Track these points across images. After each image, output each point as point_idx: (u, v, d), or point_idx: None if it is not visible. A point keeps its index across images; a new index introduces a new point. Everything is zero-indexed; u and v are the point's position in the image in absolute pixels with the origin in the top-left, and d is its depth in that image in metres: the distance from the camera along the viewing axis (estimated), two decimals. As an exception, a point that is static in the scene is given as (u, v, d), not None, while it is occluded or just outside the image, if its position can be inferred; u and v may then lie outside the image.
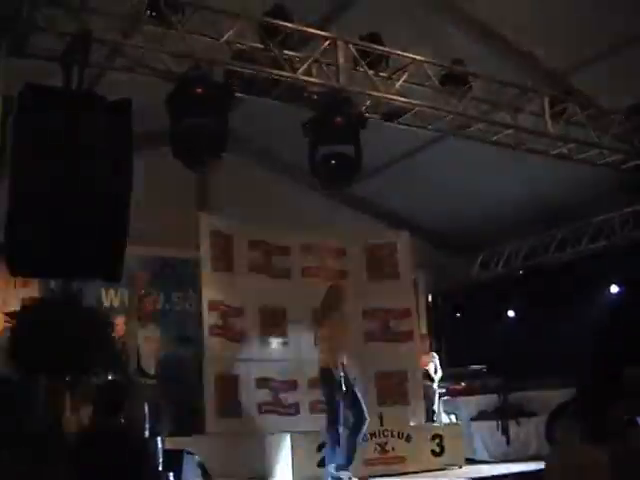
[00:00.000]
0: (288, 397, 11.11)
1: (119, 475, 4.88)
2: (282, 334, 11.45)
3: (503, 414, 11.12)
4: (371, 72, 8.24)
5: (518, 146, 9.65)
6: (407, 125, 9.13)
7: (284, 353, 11.30)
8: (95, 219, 6.07)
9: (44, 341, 5.93)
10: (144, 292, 9.49)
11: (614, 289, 13.23)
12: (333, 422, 8.64)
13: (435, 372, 12.12)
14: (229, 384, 10.59)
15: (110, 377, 8.23)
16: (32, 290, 9.80)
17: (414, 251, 12.68)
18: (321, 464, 9.23)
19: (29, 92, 6.03)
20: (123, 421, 8.39)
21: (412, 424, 10.53)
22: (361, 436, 8.97)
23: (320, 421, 9.24)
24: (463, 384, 11.70)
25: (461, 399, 11.88)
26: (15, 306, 8.79)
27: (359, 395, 8.88)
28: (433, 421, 11.58)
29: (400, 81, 8.45)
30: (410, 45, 8.48)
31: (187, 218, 10.86)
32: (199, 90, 7.33)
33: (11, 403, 4.68)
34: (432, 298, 15.12)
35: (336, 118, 8.11)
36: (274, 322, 11.44)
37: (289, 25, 7.75)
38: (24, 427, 4.50)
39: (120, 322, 10.08)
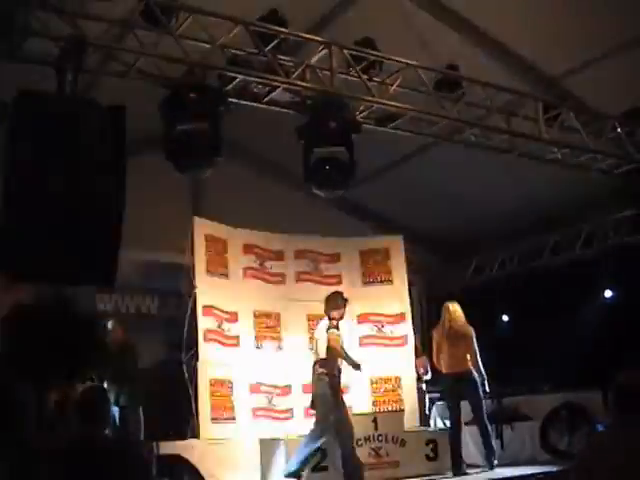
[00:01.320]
0: (282, 402, 11.11)
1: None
2: (276, 339, 11.45)
3: (497, 418, 11.09)
4: (365, 77, 8.24)
5: (512, 151, 9.66)
6: (401, 130, 9.14)
7: (278, 358, 11.29)
8: (89, 224, 6.06)
9: (35, 346, 5.91)
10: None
11: (608, 294, 13.25)
12: None
13: (425, 374, 12.10)
14: (223, 389, 10.58)
15: (96, 383, 8.20)
16: (25, 294, 9.79)
17: (408, 256, 12.70)
18: (315, 469, 9.23)
19: (23, 98, 6.02)
20: (115, 427, 8.40)
21: (406, 429, 10.51)
22: None
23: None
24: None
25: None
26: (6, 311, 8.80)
27: None
28: (428, 425, 11.60)
29: (394, 86, 8.46)
30: (404, 50, 8.49)
31: (182, 223, 10.86)
32: (193, 95, 7.34)
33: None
34: (426, 303, 15.11)
35: (330, 123, 8.11)
36: (268, 327, 11.45)
37: (283, 30, 7.75)
38: (13, 434, 4.47)
39: (115, 328, 10.09)
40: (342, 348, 9.15)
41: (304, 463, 8.88)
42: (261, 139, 11.75)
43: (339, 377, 9.03)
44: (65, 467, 4.53)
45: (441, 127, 9.24)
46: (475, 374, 9.99)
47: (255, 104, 8.29)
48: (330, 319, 9.15)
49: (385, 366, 11.86)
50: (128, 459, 5.02)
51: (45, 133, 6.05)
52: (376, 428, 9.94)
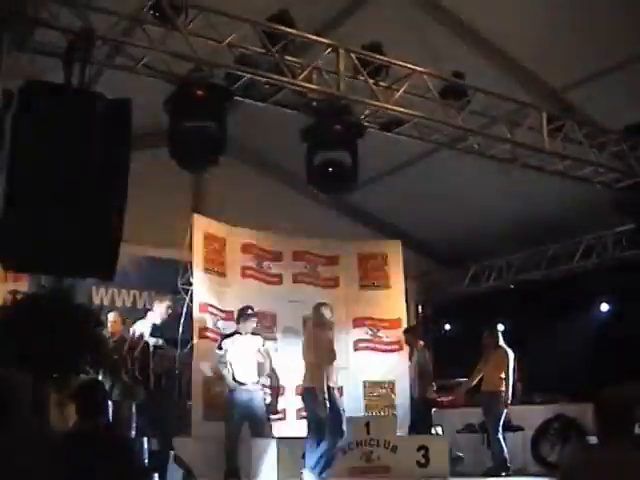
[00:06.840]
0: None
1: (104, 475, 4.87)
2: (272, 340, 11.44)
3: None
4: (371, 81, 8.24)
5: (514, 161, 9.67)
6: (405, 136, 9.14)
7: (273, 359, 11.27)
8: (90, 217, 6.05)
9: (32, 335, 5.90)
10: None
11: (604, 307, 13.25)
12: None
13: None
14: (217, 387, 10.57)
15: (94, 377, 8.17)
16: (23, 285, 9.76)
17: (406, 262, 12.70)
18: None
19: (30, 88, 6.01)
20: (109, 421, 8.37)
21: (398, 434, 10.50)
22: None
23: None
24: (450, 396, 11.69)
25: (447, 411, 11.87)
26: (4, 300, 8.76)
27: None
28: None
29: (400, 91, 8.45)
30: (411, 56, 8.50)
31: (182, 220, 10.87)
32: (199, 92, 7.34)
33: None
34: (422, 309, 15.13)
35: (334, 126, 8.13)
36: (264, 327, 11.43)
37: (291, 31, 7.75)
38: (7, 426, 4.46)
39: (116, 320, 10.03)
40: None
41: None
42: (264, 139, 11.77)
43: None
44: (62, 459, 4.53)
45: (445, 134, 9.26)
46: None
47: (261, 104, 8.30)
48: None
49: (379, 371, 11.87)
50: (123, 452, 5.03)
51: (49, 124, 6.04)
52: (368, 432, 9.93)
